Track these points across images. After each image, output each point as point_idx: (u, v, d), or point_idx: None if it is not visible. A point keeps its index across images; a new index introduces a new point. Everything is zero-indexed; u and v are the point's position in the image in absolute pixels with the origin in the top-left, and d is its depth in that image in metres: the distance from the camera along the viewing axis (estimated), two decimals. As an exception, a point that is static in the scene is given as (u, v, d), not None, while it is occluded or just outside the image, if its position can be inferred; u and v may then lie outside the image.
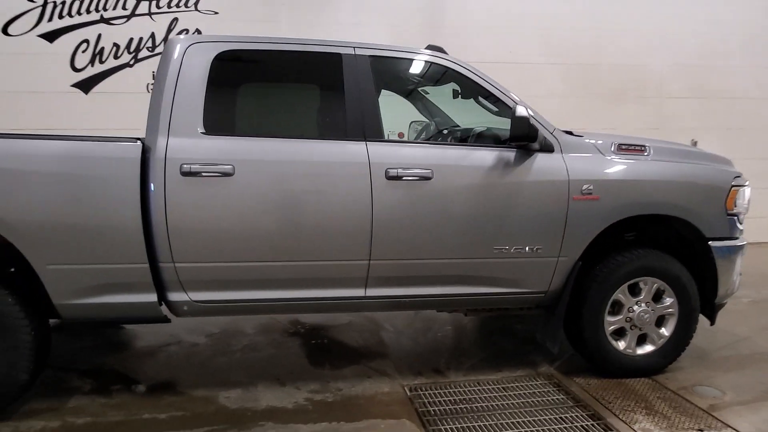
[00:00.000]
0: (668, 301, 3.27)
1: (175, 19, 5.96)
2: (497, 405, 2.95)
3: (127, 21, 5.89)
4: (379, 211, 2.86)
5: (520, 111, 2.81)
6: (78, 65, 5.89)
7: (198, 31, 5.99)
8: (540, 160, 3.05)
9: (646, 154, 3.26)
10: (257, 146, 2.83)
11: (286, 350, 3.78)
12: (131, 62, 5.97)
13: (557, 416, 2.84)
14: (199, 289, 2.82)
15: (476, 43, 6.37)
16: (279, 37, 3.02)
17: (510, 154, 3.02)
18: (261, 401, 3.00)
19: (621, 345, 3.25)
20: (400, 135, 3.43)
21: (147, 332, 3.99)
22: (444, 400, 3.01)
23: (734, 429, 2.72)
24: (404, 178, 2.88)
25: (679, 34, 6.97)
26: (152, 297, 2.80)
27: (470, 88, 3.21)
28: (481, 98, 3.20)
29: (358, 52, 3.01)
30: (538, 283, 3.14)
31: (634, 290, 3.24)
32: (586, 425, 2.76)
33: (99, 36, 5.86)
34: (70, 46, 5.86)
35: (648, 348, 3.30)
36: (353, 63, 2.98)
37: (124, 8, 5.87)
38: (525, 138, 2.86)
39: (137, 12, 5.89)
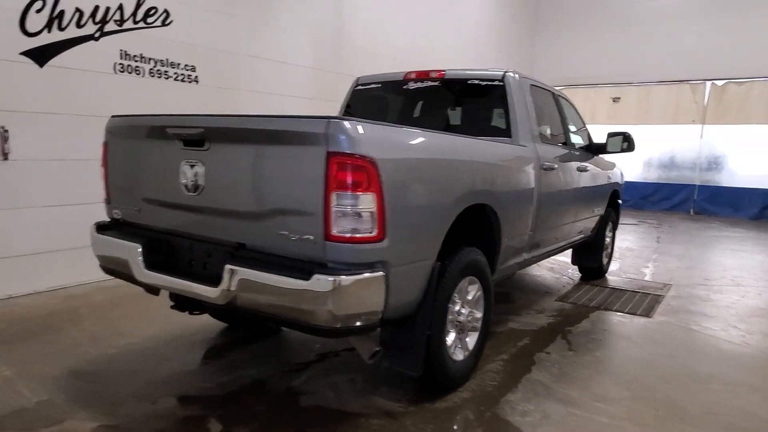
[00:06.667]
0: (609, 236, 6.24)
1: (143, -6, 5.14)
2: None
3: (92, -16, 4.74)
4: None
5: (630, 135, 5.15)
6: (30, 28, 4.38)
7: (166, 12, 5.35)
8: (597, 158, 5.45)
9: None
10: (558, 151, 4.26)
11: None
12: (96, 34, 4.80)
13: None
14: (531, 250, 4.04)
15: (359, 63, 7.87)
16: (545, 84, 4.43)
17: (591, 155, 5.31)
18: (535, 324, 4.38)
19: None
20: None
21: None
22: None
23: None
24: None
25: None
26: (521, 258, 3.87)
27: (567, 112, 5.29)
28: (570, 120, 5.33)
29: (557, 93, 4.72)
30: (592, 230, 5.57)
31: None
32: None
33: (58, -5, 4.53)
34: (20, 1, 4.32)
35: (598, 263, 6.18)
36: (560, 100, 4.70)
37: (89, -32, 4.71)
38: (631, 149, 5.21)
39: (104, -23, 4.82)
